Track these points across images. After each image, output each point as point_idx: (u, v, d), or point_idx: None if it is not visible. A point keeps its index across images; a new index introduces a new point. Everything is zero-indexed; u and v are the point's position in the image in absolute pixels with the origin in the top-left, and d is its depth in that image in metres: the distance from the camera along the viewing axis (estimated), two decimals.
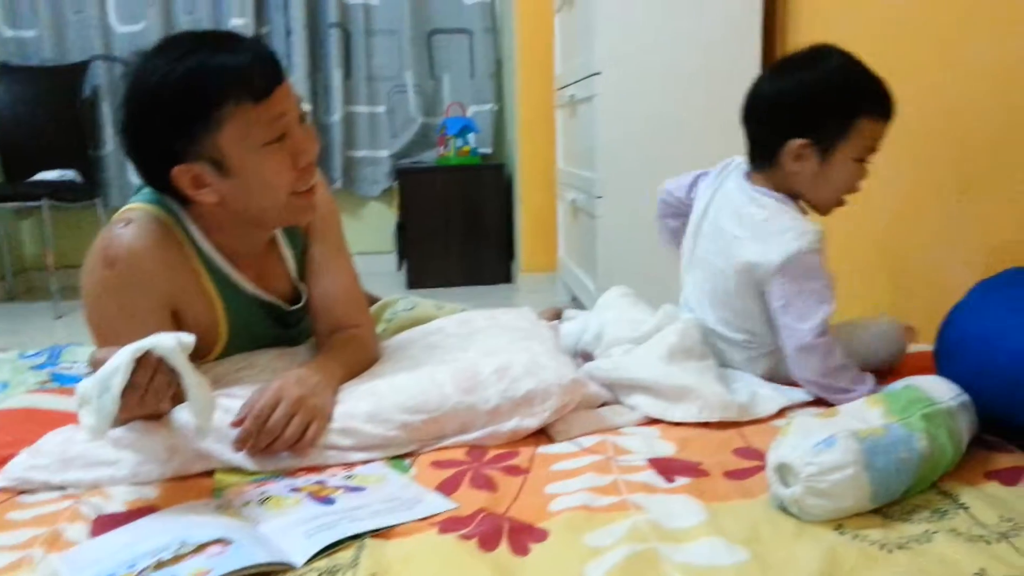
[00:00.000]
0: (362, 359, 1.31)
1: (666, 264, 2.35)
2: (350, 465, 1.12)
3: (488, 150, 3.89)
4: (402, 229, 3.65)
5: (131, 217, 1.17)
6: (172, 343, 0.95)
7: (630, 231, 2.32)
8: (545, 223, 3.34)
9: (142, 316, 1.14)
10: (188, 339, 0.97)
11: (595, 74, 2.26)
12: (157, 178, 1.16)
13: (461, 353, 1.27)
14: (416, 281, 3.61)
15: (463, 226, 3.64)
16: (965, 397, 1.06)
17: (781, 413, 1.25)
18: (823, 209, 1.34)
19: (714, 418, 1.21)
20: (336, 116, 3.82)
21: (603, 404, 1.29)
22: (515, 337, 1.34)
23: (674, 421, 1.22)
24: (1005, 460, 1.04)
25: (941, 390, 1.05)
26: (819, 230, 1.26)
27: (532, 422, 1.17)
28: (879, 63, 1.26)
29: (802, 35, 2.19)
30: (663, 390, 1.24)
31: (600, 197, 2.31)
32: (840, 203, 1.32)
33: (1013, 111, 1.42)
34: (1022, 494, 0.95)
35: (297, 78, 3.71)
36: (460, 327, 1.43)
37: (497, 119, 3.92)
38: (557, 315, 1.71)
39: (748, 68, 2.26)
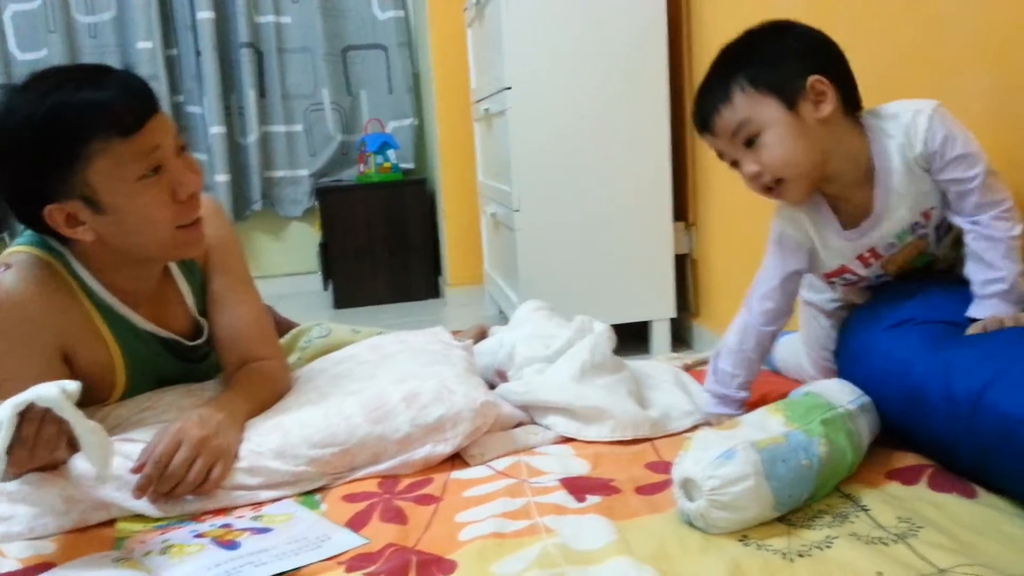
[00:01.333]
0: (270, 392, 1.28)
1: (585, 273, 2.38)
2: (258, 504, 1.09)
3: (410, 165, 3.87)
4: (325, 248, 3.60)
5: (10, 261, 1.13)
6: (55, 392, 0.91)
7: (549, 243, 2.33)
8: (470, 237, 3.33)
9: (28, 363, 1.10)
10: (72, 386, 0.93)
11: (506, 88, 2.26)
12: (32, 218, 1.12)
13: (369, 381, 1.25)
14: (343, 300, 3.57)
15: (388, 243, 3.61)
16: (865, 399, 1.08)
17: (696, 428, 1.26)
18: None
19: (627, 436, 1.22)
20: (252, 137, 3.75)
21: (518, 424, 1.29)
22: (425, 361, 1.32)
23: (588, 440, 1.23)
24: (906, 459, 1.07)
25: (841, 394, 1.07)
26: None
27: (444, 448, 1.16)
28: None
29: (706, 48, 2.23)
30: (576, 411, 1.24)
31: (517, 211, 2.31)
32: None
33: None
34: (920, 493, 0.98)
35: (210, 100, 3.64)
36: (371, 353, 1.41)
37: (417, 134, 3.90)
38: (483, 334, 1.70)
39: (655, 79, 2.31)
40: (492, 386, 1.39)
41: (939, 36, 1.32)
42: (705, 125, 1.15)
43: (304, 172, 3.86)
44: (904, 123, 1.11)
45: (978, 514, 0.91)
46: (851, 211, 1.17)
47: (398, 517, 1.01)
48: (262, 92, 3.77)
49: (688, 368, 1.57)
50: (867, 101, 1.16)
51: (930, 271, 1.23)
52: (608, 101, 2.28)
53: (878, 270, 1.21)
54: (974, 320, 1.07)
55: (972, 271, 1.10)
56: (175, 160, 1.13)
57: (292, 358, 1.54)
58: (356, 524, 1.01)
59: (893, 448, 1.09)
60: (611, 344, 1.36)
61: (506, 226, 2.49)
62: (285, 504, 1.09)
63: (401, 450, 1.14)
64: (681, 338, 2.56)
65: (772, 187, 1.13)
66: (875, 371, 1.12)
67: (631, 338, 2.53)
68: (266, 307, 1.43)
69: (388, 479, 1.13)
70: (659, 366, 1.51)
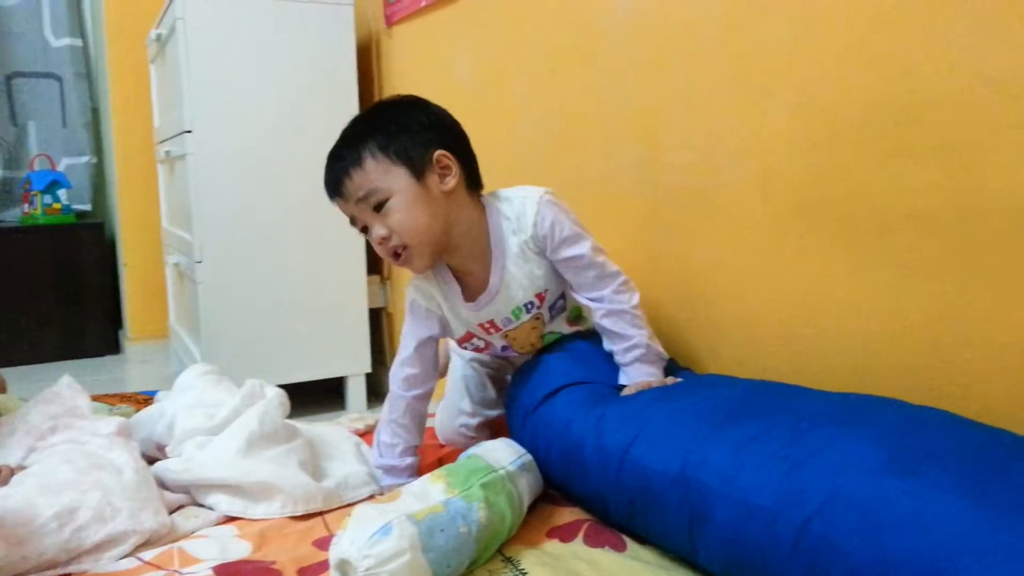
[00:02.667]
0: None
1: (275, 329, 2.27)
2: None
3: (86, 207, 3.50)
4: None
5: None
6: None
7: (234, 296, 2.20)
8: (154, 287, 3.07)
9: None
10: None
11: (187, 132, 2.11)
12: None
13: (12, 488, 1.05)
14: (2, 358, 3.11)
15: (58, 292, 3.22)
16: (527, 458, 1.11)
17: (372, 497, 1.22)
18: None
19: (298, 511, 1.14)
20: None
21: (178, 508, 1.16)
22: (87, 464, 1.11)
23: (255, 519, 1.13)
24: (565, 515, 1.10)
25: (503, 454, 1.09)
26: None
27: (88, 567, 1.00)
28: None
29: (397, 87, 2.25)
30: (243, 487, 1.14)
31: (200, 262, 2.15)
32: None
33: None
34: (576, 550, 1.00)
35: None
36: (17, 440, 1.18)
37: (96, 173, 3.55)
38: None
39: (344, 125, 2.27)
40: (151, 461, 1.25)
41: (596, 107, 1.43)
42: (336, 190, 1.15)
43: None
44: (516, 208, 1.17)
45: (626, 567, 0.95)
46: (472, 284, 1.22)
47: None
48: None
49: (362, 434, 1.52)
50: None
51: (588, 335, 1.28)
52: (297, 150, 2.21)
53: (501, 340, 1.26)
54: (624, 387, 1.14)
55: (610, 345, 1.19)
56: None
57: None
58: None
59: (556, 504, 1.13)
60: (283, 411, 1.27)
61: (189, 278, 2.31)
62: None
63: (36, 570, 0.97)
64: (378, 392, 2.53)
65: (400, 253, 1.15)
66: (539, 428, 1.15)
67: (327, 394, 2.46)
68: None
69: None
70: (339, 431, 1.44)
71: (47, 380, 1.38)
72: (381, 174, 1.11)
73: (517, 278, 1.19)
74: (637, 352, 1.15)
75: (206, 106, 2.12)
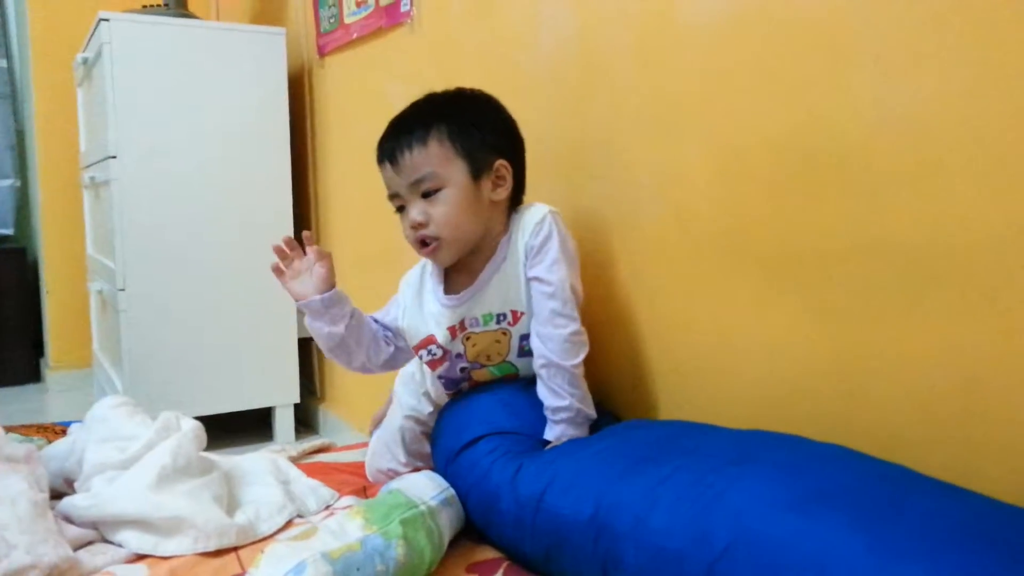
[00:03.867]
0: None
1: (201, 359, 2.23)
2: None
3: (9, 231, 3.39)
4: None
5: None
6: None
7: (159, 325, 2.15)
8: (77, 314, 2.98)
9: None
10: None
11: (111, 157, 2.07)
12: None
13: None
14: None
15: None
16: (449, 492, 1.10)
17: (289, 524, 1.20)
18: None
19: (210, 547, 1.11)
20: None
21: (87, 543, 1.12)
22: None
23: (167, 556, 1.10)
24: (486, 552, 1.09)
25: (426, 489, 1.08)
26: None
27: None
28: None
29: (328, 122, 2.25)
30: (153, 522, 1.11)
31: (123, 289, 2.11)
32: None
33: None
34: None
35: None
36: None
37: (20, 197, 3.44)
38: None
39: (276, 155, 2.27)
40: (60, 496, 1.21)
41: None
42: (392, 158, 1.15)
43: None
44: (527, 214, 1.18)
45: None
46: (460, 279, 1.21)
47: None
48: None
49: (295, 460, 1.50)
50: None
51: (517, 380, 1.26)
52: (226, 177, 2.19)
53: (460, 346, 1.23)
54: (548, 442, 1.12)
55: (543, 394, 1.15)
56: None
57: None
58: None
59: (475, 541, 1.12)
60: (199, 444, 1.25)
61: (112, 306, 2.25)
62: None
63: None
64: (307, 423, 2.49)
65: (428, 243, 1.15)
66: (459, 474, 1.13)
67: (255, 425, 2.41)
68: None
69: None
70: (259, 459, 1.42)
71: None
72: (442, 161, 1.12)
73: (503, 283, 1.17)
74: (567, 415, 1.12)
75: (132, 132, 2.08)
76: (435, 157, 1.13)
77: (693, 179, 1.11)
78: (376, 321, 1.28)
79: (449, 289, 1.22)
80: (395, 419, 1.36)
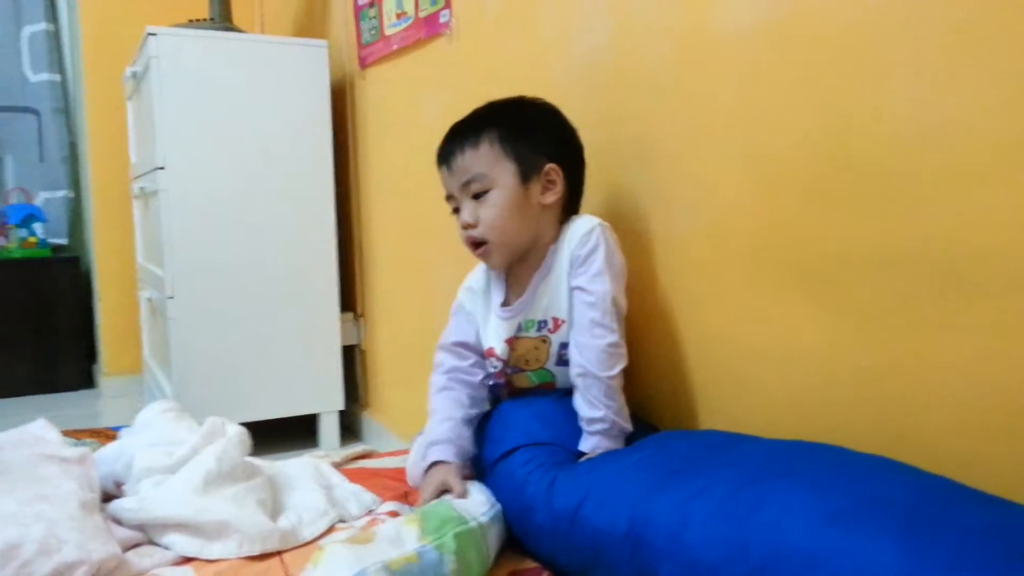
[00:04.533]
0: None
1: (247, 366, 2.27)
2: None
3: (63, 241, 3.50)
4: None
5: None
6: None
7: (206, 333, 2.20)
8: (129, 322, 3.06)
9: None
10: None
11: (159, 168, 2.12)
12: None
13: None
14: None
15: (32, 326, 3.21)
16: (497, 508, 1.09)
17: (332, 528, 1.22)
18: None
19: (255, 551, 1.13)
20: None
21: (134, 545, 1.15)
22: (30, 496, 1.10)
23: (212, 559, 1.13)
24: (527, 561, 1.09)
25: (476, 504, 1.08)
26: None
27: None
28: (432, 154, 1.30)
29: (371, 136, 2.28)
30: (199, 526, 1.13)
31: (172, 297, 2.16)
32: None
33: None
34: None
35: None
36: None
37: (73, 208, 3.55)
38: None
39: (320, 166, 2.30)
40: (109, 498, 1.25)
41: None
42: (447, 160, 1.20)
43: None
44: (574, 227, 1.18)
45: None
46: (514, 290, 1.24)
47: None
48: None
49: (338, 465, 1.52)
50: None
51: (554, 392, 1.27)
52: (271, 187, 2.23)
53: (508, 349, 1.24)
54: (583, 453, 1.12)
55: (579, 406, 1.14)
56: None
57: None
58: None
59: (517, 548, 1.12)
60: (244, 449, 1.27)
61: (161, 313, 2.31)
62: None
63: None
64: (352, 430, 2.52)
65: (479, 244, 1.19)
66: (496, 484, 1.13)
67: (300, 431, 2.45)
68: None
69: None
70: (302, 465, 1.44)
71: (18, 413, 1.37)
72: (491, 163, 1.16)
73: (548, 290, 1.19)
74: (602, 426, 1.12)
75: (179, 143, 2.14)
76: (485, 159, 1.16)
77: (728, 188, 1.11)
78: (463, 346, 1.28)
79: (505, 301, 1.25)
80: None
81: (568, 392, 1.19)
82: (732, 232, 1.11)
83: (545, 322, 1.21)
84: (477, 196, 1.18)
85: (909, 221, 0.87)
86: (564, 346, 1.21)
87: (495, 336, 1.25)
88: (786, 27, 1.01)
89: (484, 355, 1.28)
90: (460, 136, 1.19)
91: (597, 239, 1.15)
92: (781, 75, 1.02)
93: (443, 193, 1.26)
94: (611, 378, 1.13)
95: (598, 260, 1.15)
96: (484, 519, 1.06)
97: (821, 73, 0.97)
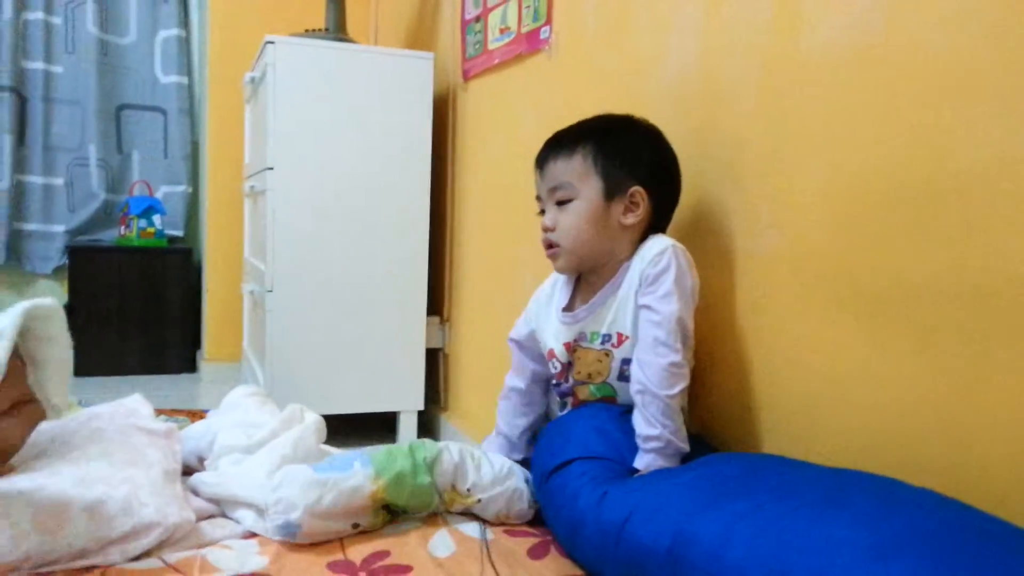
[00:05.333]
0: None
1: (335, 360, 2.36)
2: None
3: (179, 233, 3.71)
4: (70, 311, 3.34)
5: None
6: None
7: (300, 326, 2.30)
8: (232, 312, 3.22)
9: None
10: None
11: (268, 169, 2.24)
12: None
13: (49, 479, 1.11)
14: (86, 368, 3.32)
15: (143, 311, 3.41)
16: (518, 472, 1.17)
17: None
18: None
19: None
20: (3, 184, 3.46)
21: (209, 516, 1.22)
22: (119, 460, 1.19)
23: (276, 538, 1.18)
24: (579, 571, 1.10)
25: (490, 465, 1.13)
26: None
27: (116, 558, 1.07)
28: (529, 167, 1.35)
29: (468, 146, 2.34)
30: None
31: (271, 291, 2.27)
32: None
33: None
34: None
35: None
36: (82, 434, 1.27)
37: (191, 202, 3.76)
38: None
39: (418, 175, 2.38)
40: (191, 472, 1.33)
41: None
42: (542, 165, 1.27)
43: (59, 228, 3.60)
44: (648, 245, 1.21)
45: None
46: (581, 296, 1.28)
47: None
48: (21, 139, 3.51)
49: None
50: None
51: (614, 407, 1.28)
52: (370, 193, 2.32)
53: (569, 356, 1.28)
54: (637, 470, 1.13)
55: (636, 422, 1.15)
56: None
57: None
58: None
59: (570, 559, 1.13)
60: (319, 437, 1.33)
61: (260, 305, 2.43)
62: None
63: (70, 557, 1.04)
64: (429, 429, 2.58)
65: (552, 246, 1.25)
66: (551, 495, 1.16)
67: (379, 428, 2.53)
68: None
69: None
70: None
71: (127, 392, 1.47)
72: (579, 175, 1.21)
73: (615, 305, 1.22)
74: (657, 444, 1.12)
75: (289, 146, 2.25)
76: (575, 171, 1.21)
77: (810, 211, 1.10)
78: (519, 345, 1.39)
79: (568, 306, 1.28)
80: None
81: (630, 408, 1.20)
82: (811, 255, 1.10)
83: (609, 336, 1.23)
84: (561, 203, 1.23)
85: (992, 255, 0.85)
86: (626, 362, 1.22)
87: (553, 338, 1.29)
88: (875, 52, 1.00)
89: (545, 357, 1.33)
90: (558, 143, 1.25)
91: (669, 260, 1.16)
92: (868, 100, 1.01)
93: (535, 207, 1.32)
94: (670, 397, 1.13)
95: (668, 280, 1.16)
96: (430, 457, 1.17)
97: (909, 100, 0.96)
